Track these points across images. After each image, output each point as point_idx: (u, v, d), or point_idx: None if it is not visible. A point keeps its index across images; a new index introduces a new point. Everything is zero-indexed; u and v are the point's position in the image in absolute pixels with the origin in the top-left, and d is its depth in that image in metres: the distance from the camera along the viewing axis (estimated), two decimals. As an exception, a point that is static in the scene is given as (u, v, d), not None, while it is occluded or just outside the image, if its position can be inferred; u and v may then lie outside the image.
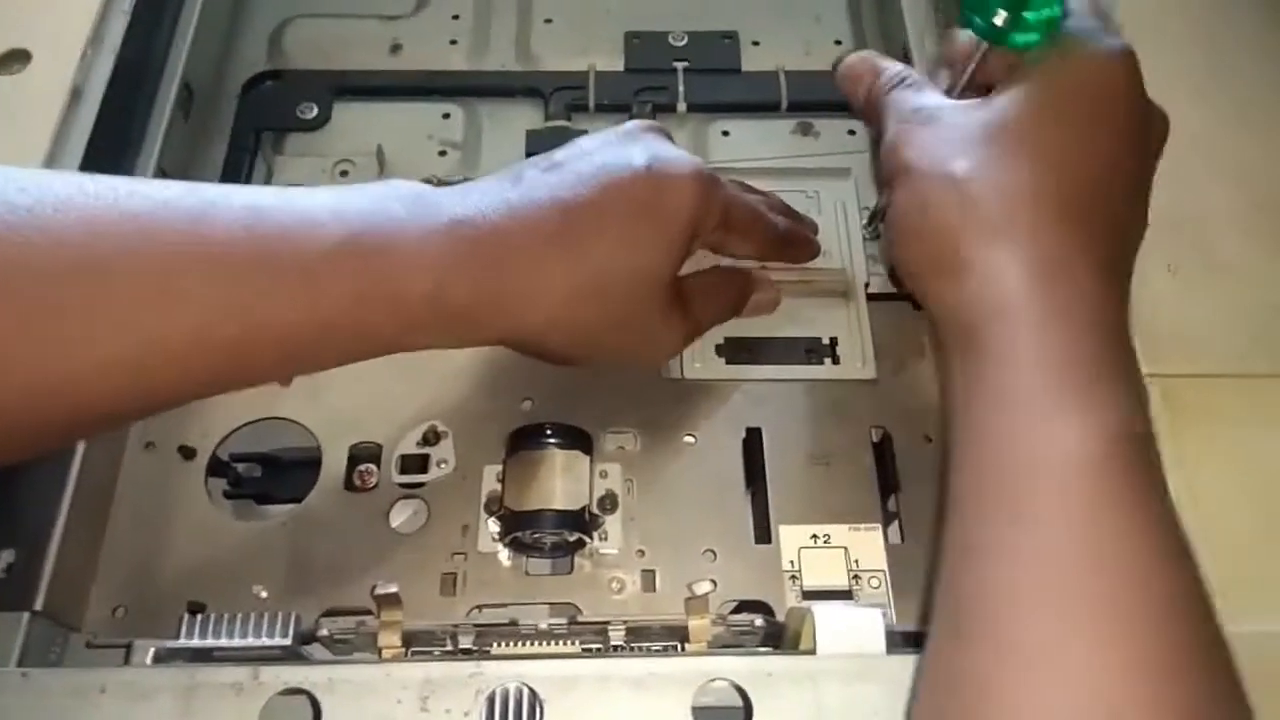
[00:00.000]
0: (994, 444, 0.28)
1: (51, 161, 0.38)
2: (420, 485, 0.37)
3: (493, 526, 0.36)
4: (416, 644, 0.33)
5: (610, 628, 0.33)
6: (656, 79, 0.49)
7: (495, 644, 0.33)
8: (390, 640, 0.32)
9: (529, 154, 0.46)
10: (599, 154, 0.33)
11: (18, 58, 0.39)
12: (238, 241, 0.27)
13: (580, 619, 0.34)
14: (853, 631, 0.30)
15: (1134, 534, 0.25)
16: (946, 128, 0.31)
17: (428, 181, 0.44)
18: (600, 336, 0.33)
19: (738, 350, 0.40)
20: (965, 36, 0.33)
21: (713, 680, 0.29)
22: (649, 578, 0.36)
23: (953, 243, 0.29)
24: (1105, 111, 0.30)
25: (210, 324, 0.26)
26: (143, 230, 0.26)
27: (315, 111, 0.48)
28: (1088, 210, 0.29)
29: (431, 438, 0.38)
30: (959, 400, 0.29)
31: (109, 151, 0.40)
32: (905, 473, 0.38)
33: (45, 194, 0.25)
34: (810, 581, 0.36)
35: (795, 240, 0.40)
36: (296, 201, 0.28)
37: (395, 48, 0.51)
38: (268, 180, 0.46)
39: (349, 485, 0.37)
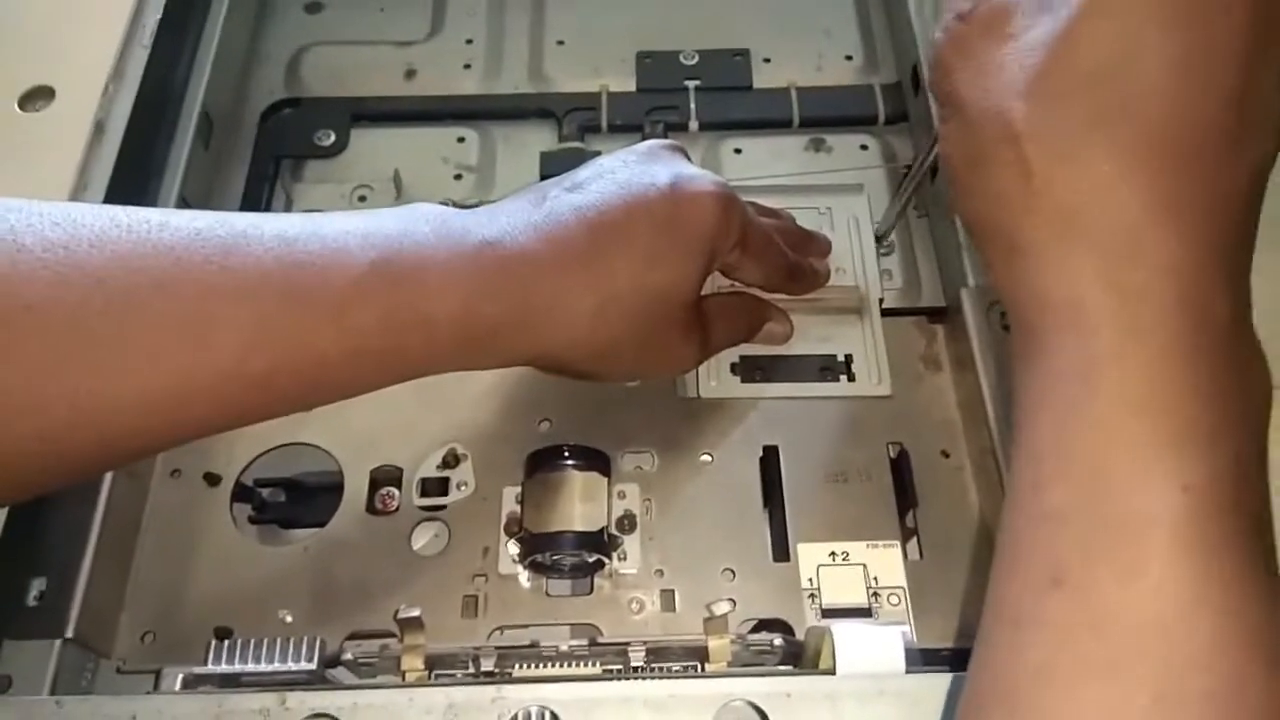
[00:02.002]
0: (1052, 489, 0.24)
1: (77, 195, 0.38)
2: (441, 508, 0.38)
3: (513, 549, 0.36)
4: (439, 667, 0.33)
5: (630, 649, 0.33)
6: (668, 98, 0.50)
7: (517, 666, 0.33)
8: (413, 664, 0.32)
9: (543, 176, 0.47)
10: (621, 173, 0.33)
11: (42, 95, 0.40)
12: (269, 274, 0.27)
13: (600, 640, 0.34)
14: (872, 650, 0.30)
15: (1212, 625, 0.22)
16: (1009, 41, 0.25)
17: (444, 204, 0.46)
18: (623, 353, 0.33)
19: (753, 369, 0.40)
20: None
21: (731, 701, 0.29)
22: (668, 597, 0.36)
23: (1010, 218, 0.25)
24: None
25: (242, 357, 0.26)
26: (176, 263, 0.26)
27: (333, 138, 0.49)
28: (1200, 184, 0.23)
29: (451, 460, 0.38)
30: (1018, 403, 0.25)
31: (132, 183, 0.41)
32: (923, 488, 0.38)
33: (79, 230, 0.25)
34: (829, 599, 0.36)
35: (802, 274, 0.40)
36: (325, 229, 0.28)
37: (410, 73, 0.51)
38: (288, 207, 0.46)
39: (371, 509, 0.38)
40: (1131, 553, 0.22)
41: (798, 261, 0.40)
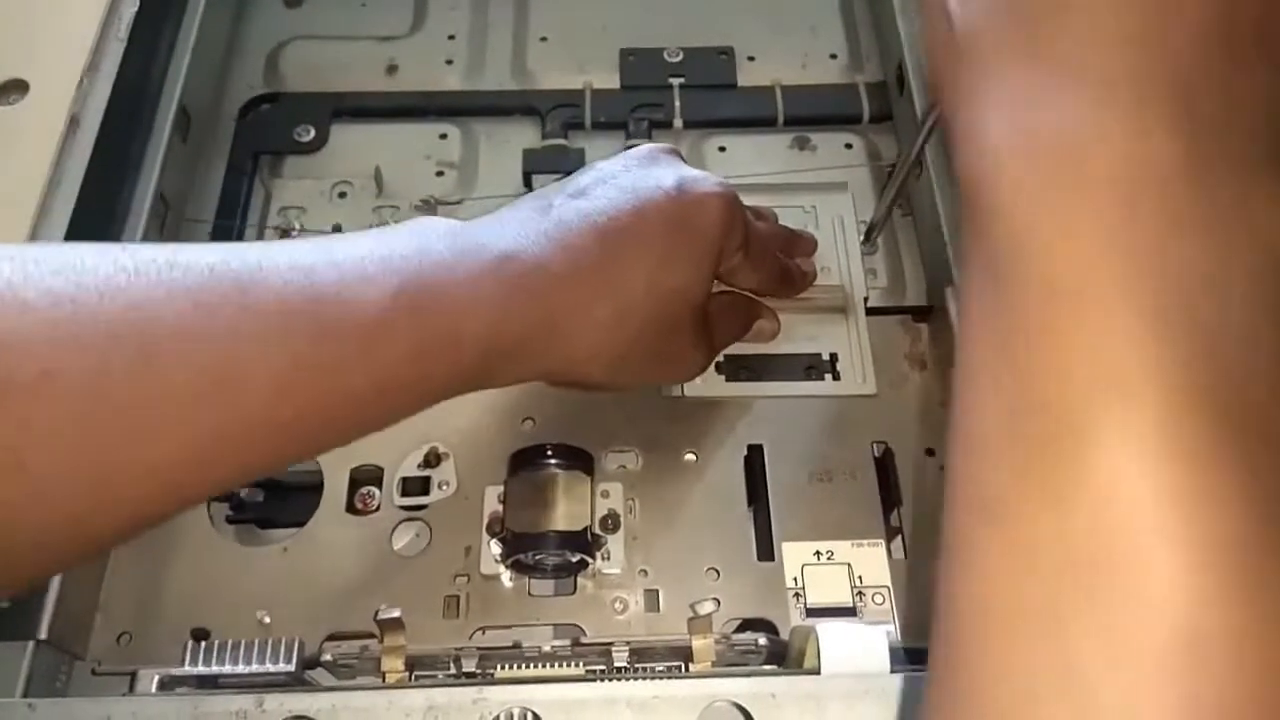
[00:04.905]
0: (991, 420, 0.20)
1: (51, 190, 0.38)
2: (422, 508, 0.37)
3: (495, 548, 0.36)
4: (420, 668, 0.33)
5: (614, 649, 0.33)
6: (653, 96, 0.49)
7: (499, 667, 0.33)
8: (394, 665, 0.32)
9: (526, 173, 0.47)
10: (624, 177, 0.32)
11: (15, 88, 0.39)
12: (292, 311, 0.25)
13: (584, 640, 0.34)
14: (856, 650, 0.30)
15: None
16: None
17: (425, 203, 0.45)
18: (638, 361, 0.33)
19: (738, 368, 0.40)
20: None
21: (716, 701, 0.29)
22: (652, 597, 0.36)
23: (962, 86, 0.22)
24: None
25: (270, 404, 0.25)
26: (195, 307, 0.24)
27: (312, 134, 0.48)
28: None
29: (433, 460, 0.38)
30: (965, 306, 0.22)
31: (108, 178, 0.41)
32: (907, 487, 0.38)
33: (84, 277, 0.23)
34: (814, 599, 0.36)
35: (794, 277, 0.40)
36: (340, 255, 0.27)
37: (391, 68, 0.51)
38: (266, 204, 0.46)
39: (350, 508, 0.37)
40: (1069, 474, 0.18)
41: (790, 265, 0.40)
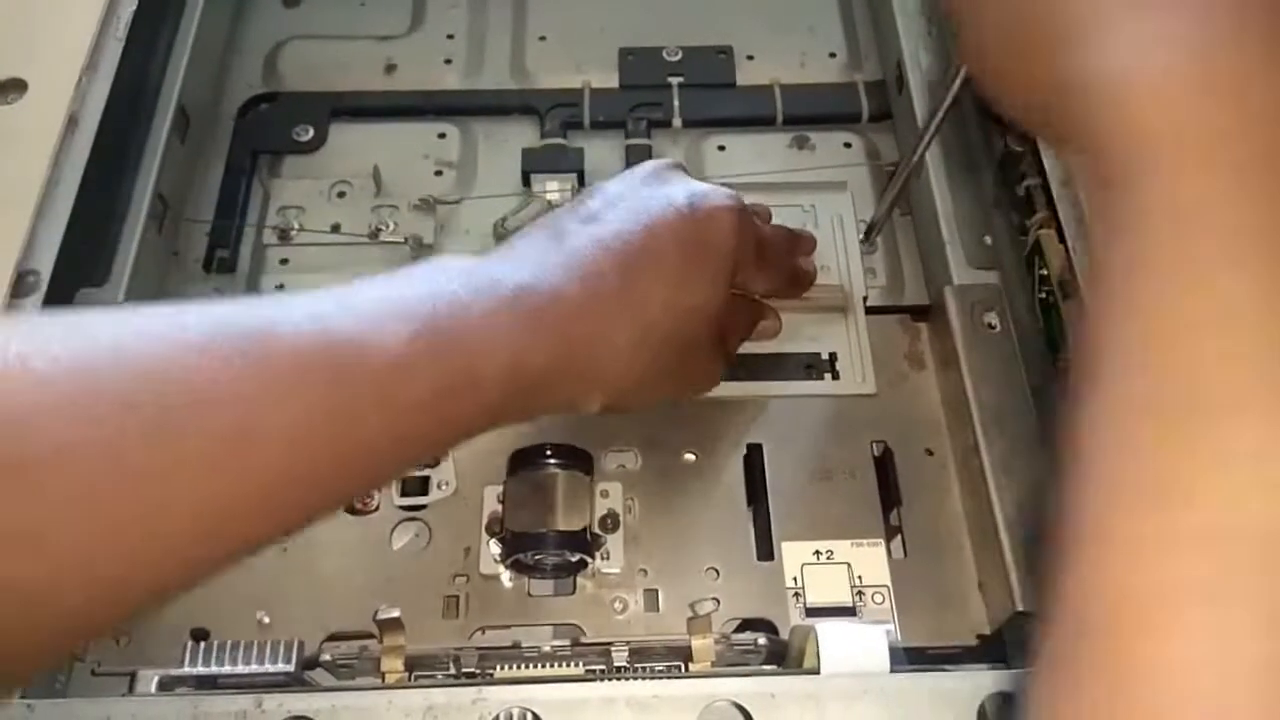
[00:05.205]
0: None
1: (49, 190, 0.38)
2: (421, 507, 0.37)
3: (494, 548, 0.36)
4: (419, 668, 0.33)
5: (613, 649, 0.33)
6: (651, 95, 0.49)
7: (498, 667, 0.33)
8: (393, 665, 0.32)
9: (525, 172, 0.47)
10: (634, 198, 0.32)
11: (14, 87, 0.39)
12: (307, 362, 0.24)
13: (583, 640, 0.34)
14: (856, 650, 0.30)
15: None
16: None
17: (424, 201, 0.45)
18: (659, 380, 0.33)
19: (737, 367, 0.40)
20: None
21: (715, 701, 0.29)
22: (652, 597, 0.36)
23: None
24: None
25: (290, 463, 0.24)
26: (208, 364, 0.23)
27: (311, 133, 0.48)
28: None
29: (432, 459, 0.38)
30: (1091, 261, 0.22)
31: (106, 178, 0.41)
32: (907, 487, 0.38)
33: (95, 344, 0.22)
34: (813, 598, 0.36)
35: (800, 279, 0.40)
36: (355, 302, 0.26)
37: (390, 68, 0.51)
38: (265, 203, 0.46)
39: (350, 508, 0.37)
40: (1231, 450, 0.18)
41: (798, 266, 0.39)
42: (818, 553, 0.36)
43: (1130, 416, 0.19)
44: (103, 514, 0.22)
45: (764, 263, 0.36)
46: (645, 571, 0.36)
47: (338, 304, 0.26)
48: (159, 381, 0.23)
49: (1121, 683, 0.18)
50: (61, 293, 0.37)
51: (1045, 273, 0.38)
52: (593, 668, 0.33)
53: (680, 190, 0.32)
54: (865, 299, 0.42)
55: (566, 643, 0.33)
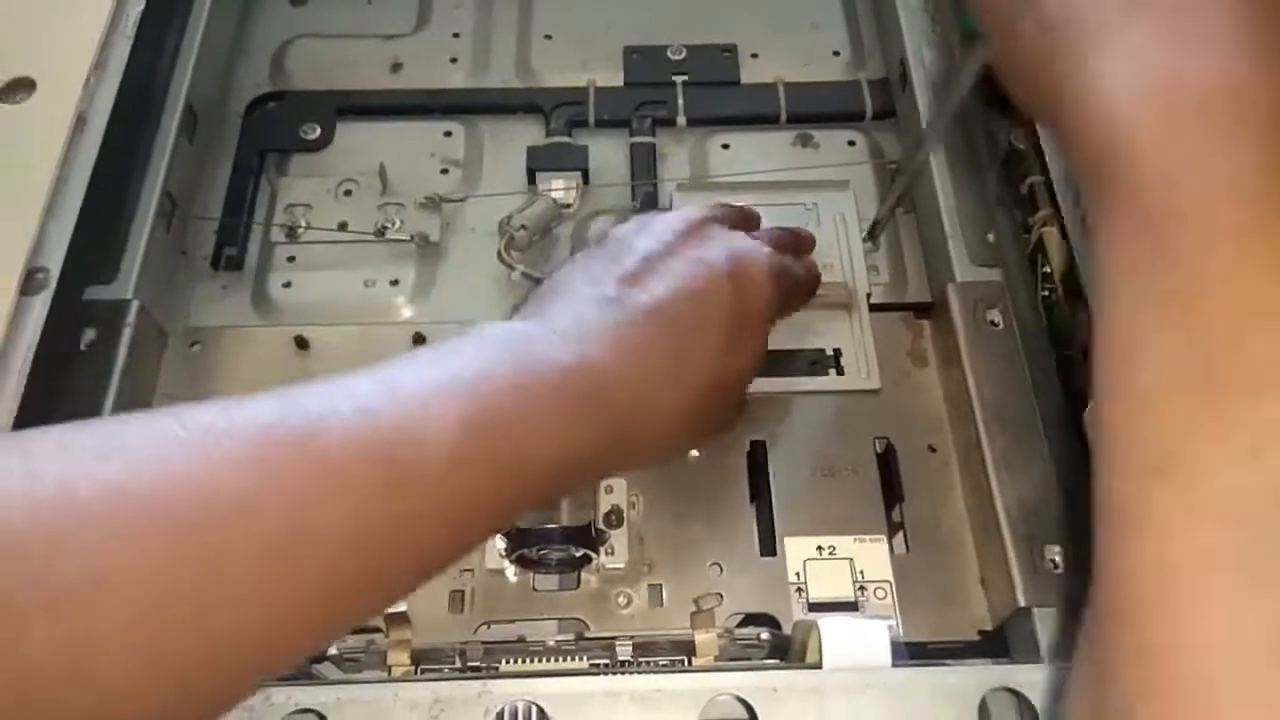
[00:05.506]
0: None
1: (59, 187, 0.38)
2: (427, 503, 0.37)
3: (500, 543, 0.36)
4: (425, 662, 0.33)
5: (617, 643, 0.33)
6: (656, 93, 0.49)
7: (503, 661, 0.33)
8: (399, 659, 0.32)
9: (530, 170, 0.47)
10: (676, 263, 0.31)
11: (22, 86, 0.40)
12: (357, 462, 0.23)
13: (588, 635, 0.34)
14: (858, 644, 0.30)
15: None
16: None
17: (430, 199, 0.45)
18: (694, 436, 0.34)
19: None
20: None
21: (719, 695, 0.29)
22: (655, 592, 0.36)
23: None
24: None
25: (340, 571, 0.23)
26: (254, 475, 0.22)
27: (318, 132, 0.48)
28: None
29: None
30: (1094, 258, 0.23)
31: (115, 176, 0.41)
32: (909, 483, 0.38)
33: (135, 455, 0.21)
34: (816, 593, 0.36)
35: (810, 290, 0.39)
36: (400, 386, 0.25)
37: (396, 67, 0.51)
38: (272, 201, 0.46)
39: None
40: (1257, 424, 0.19)
41: (807, 279, 0.39)
42: (820, 548, 0.37)
43: (1156, 399, 0.20)
44: (148, 641, 0.21)
45: (790, 300, 0.36)
46: (649, 567, 0.37)
47: (383, 389, 0.25)
48: (205, 498, 0.22)
49: (1150, 658, 0.19)
50: (70, 290, 0.37)
51: (1048, 270, 0.38)
52: (597, 662, 0.33)
53: (719, 253, 0.32)
54: (869, 296, 0.42)
55: (571, 637, 0.33)
